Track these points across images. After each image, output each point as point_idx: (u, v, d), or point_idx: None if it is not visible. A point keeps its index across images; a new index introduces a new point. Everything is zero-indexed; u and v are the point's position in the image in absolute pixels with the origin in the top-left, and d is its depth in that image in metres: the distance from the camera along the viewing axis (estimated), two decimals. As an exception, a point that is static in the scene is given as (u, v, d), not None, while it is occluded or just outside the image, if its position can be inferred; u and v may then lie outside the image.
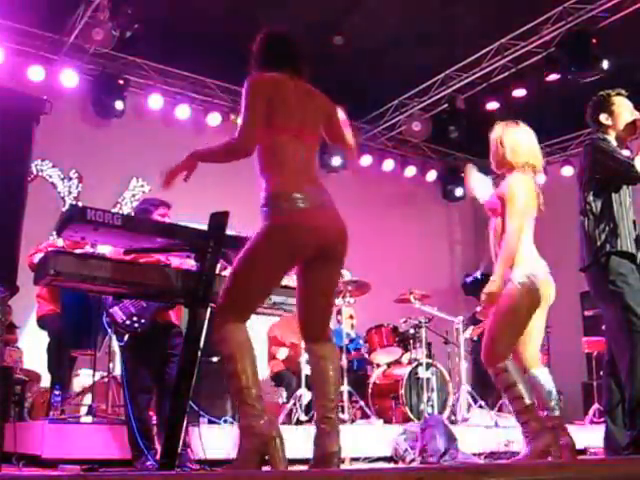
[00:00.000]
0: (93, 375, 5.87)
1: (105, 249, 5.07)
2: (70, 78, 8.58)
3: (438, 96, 9.83)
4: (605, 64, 8.13)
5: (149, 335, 4.65)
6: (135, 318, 4.61)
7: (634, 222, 4.21)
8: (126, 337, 4.70)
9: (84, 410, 5.83)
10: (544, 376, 3.95)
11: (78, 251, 5.15)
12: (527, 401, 3.83)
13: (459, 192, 11.84)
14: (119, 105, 8.88)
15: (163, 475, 2.18)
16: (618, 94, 4.35)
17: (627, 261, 4.07)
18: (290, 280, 4.33)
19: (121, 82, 8.92)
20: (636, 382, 3.91)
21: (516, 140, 4.23)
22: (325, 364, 3.26)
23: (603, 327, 4.68)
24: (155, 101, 9.22)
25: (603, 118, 4.35)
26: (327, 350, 3.30)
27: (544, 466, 2.34)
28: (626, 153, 4.24)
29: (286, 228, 3.17)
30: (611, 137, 4.30)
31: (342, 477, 1.88)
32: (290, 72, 3.43)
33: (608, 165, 4.18)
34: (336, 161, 10.51)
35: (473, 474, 2.00)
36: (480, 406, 7.26)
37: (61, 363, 5.99)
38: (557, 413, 3.86)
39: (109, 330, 4.71)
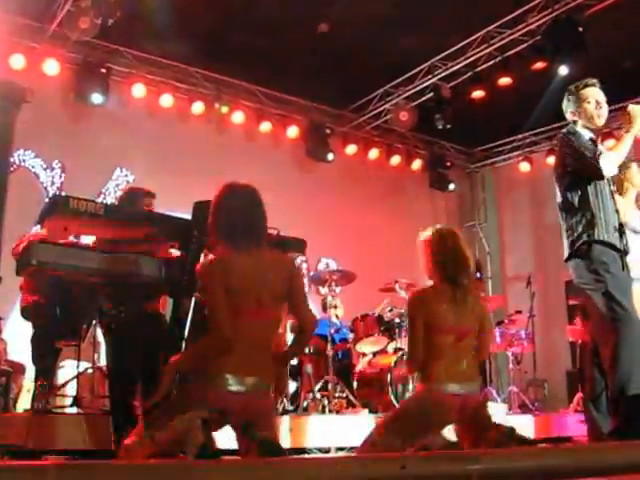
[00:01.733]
0: (77, 366, 5.82)
1: (89, 238, 5.03)
2: (52, 67, 8.48)
3: (423, 85, 9.82)
4: (563, 70, 8.18)
5: (135, 324, 4.61)
6: (121, 307, 4.57)
7: (616, 211, 4.21)
8: (112, 326, 4.66)
9: (69, 401, 5.78)
10: None
11: (61, 241, 5.09)
12: None
13: (443, 181, 11.86)
14: (102, 94, 8.79)
15: (148, 464, 2.17)
16: (585, 86, 4.35)
17: (609, 249, 4.08)
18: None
19: (104, 71, 8.83)
20: (619, 370, 3.93)
21: None
22: None
23: (584, 316, 4.71)
24: (138, 90, 9.14)
25: (569, 114, 4.40)
26: None
27: (522, 452, 2.34)
28: (610, 144, 4.25)
29: None
30: (582, 129, 4.32)
31: (330, 465, 1.87)
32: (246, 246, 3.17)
33: (574, 161, 4.19)
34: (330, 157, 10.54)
35: (456, 461, 2.00)
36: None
37: (45, 354, 5.93)
38: None
39: (96, 318, 4.68)
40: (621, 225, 4.19)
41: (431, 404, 3.58)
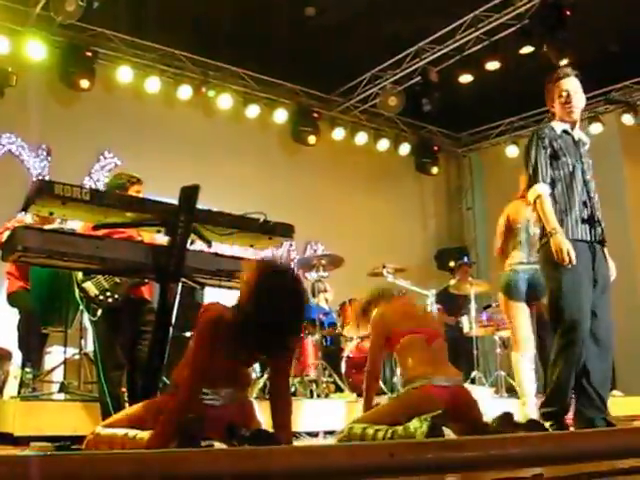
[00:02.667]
0: (64, 352, 5.80)
1: (75, 224, 5.00)
2: (37, 50, 8.37)
3: (411, 68, 9.77)
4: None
5: (122, 311, 4.60)
6: (108, 293, 4.55)
7: (584, 202, 4.21)
8: (99, 312, 4.64)
9: (56, 387, 5.77)
10: None
11: (47, 227, 5.07)
12: None
13: (431, 165, 11.86)
14: (88, 78, 8.70)
15: (134, 454, 2.16)
16: (558, 78, 4.35)
17: (576, 243, 4.07)
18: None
19: (89, 54, 8.73)
20: (560, 367, 4.02)
21: None
22: None
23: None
24: (124, 73, 9.04)
25: (548, 105, 4.49)
26: None
27: (512, 440, 2.36)
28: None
29: None
30: (558, 123, 4.37)
31: (319, 453, 1.87)
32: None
33: (527, 168, 4.30)
34: (311, 140, 10.50)
35: (443, 448, 2.00)
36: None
37: (32, 340, 5.91)
38: None
39: (81, 304, 4.65)
40: (592, 216, 4.19)
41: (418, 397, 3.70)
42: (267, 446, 2.98)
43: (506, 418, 3.68)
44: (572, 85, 4.31)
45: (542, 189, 4.15)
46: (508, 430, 3.55)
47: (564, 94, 4.29)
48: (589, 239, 4.15)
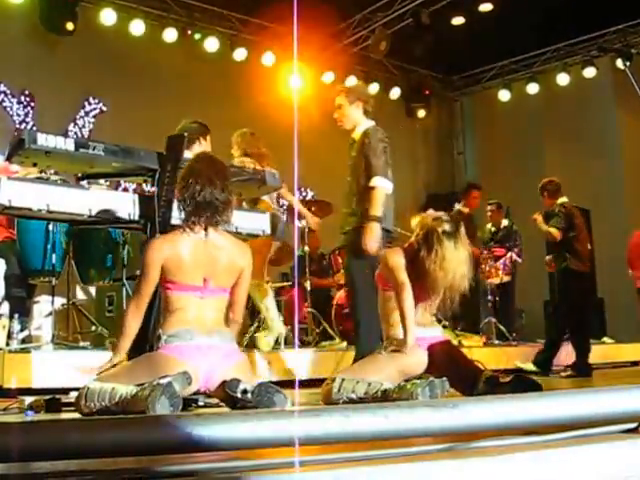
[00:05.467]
0: (52, 302, 5.74)
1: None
2: (16, -8, 8.11)
3: (402, 10, 9.55)
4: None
5: None
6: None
7: None
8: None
9: (45, 339, 5.73)
10: None
11: (31, 176, 4.93)
12: None
13: (421, 113, 11.72)
14: (70, 21, 8.44)
15: (117, 420, 2.11)
16: None
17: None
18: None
19: (71, -4, 8.47)
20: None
21: None
22: None
23: None
24: (108, 16, 8.78)
25: None
26: None
27: (503, 399, 2.31)
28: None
29: None
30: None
31: (311, 416, 1.82)
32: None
33: (371, 158, 4.78)
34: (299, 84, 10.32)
35: (438, 408, 1.96)
36: (444, 326, 7.30)
37: (19, 291, 5.85)
38: None
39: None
40: None
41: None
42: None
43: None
44: (335, 102, 4.91)
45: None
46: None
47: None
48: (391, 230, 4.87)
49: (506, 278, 7.99)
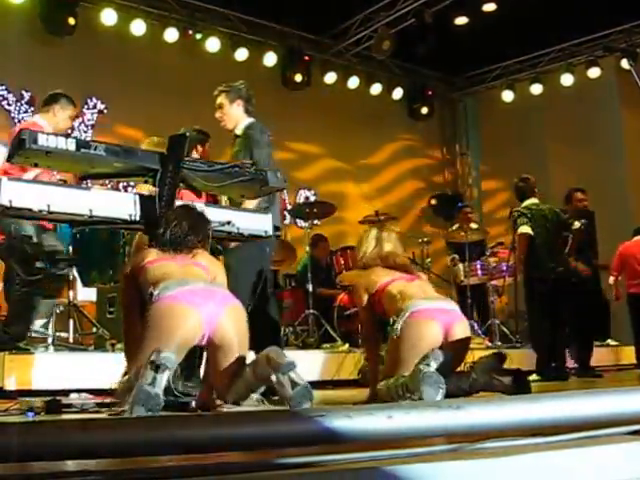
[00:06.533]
0: (53, 304, 5.71)
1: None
2: (17, -8, 8.09)
3: (405, 10, 9.50)
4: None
5: None
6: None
7: None
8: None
9: (45, 339, 5.69)
10: None
11: (30, 175, 4.88)
12: None
13: (424, 110, 11.67)
14: (70, 21, 8.42)
15: (117, 420, 2.07)
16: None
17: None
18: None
19: (72, -4, 8.45)
20: None
21: None
22: None
23: None
24: (109, 16, 8.75)
25: None
26: None
27: (511, 401, 2.28)
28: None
29: None
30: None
31: (316, 416, 1.78)
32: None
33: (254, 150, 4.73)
34: (302, 85, 10.27)
35: (441, 409, 1.93)
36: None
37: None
38: None
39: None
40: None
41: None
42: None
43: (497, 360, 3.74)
44: (216, 103, 4.92)
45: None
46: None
47: None
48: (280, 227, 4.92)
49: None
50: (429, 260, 8.18)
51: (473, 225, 8.33)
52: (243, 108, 4.93)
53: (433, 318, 3.81)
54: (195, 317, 3.12)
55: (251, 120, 4.93)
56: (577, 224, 6.34)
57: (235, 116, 4.91)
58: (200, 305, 3.15)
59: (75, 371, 4.83)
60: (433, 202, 11.64)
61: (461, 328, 3.88)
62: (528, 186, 6.50)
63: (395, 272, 4.14)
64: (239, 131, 4.90)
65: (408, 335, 3.78)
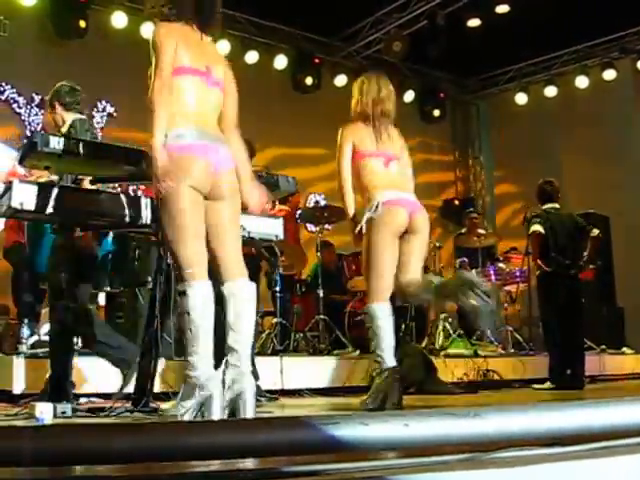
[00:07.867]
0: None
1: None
2: (28, -5, 8.10)
3: (417, 12, 9.46)
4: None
5: None
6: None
7: None
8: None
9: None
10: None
11: (43, 179, 4.87)
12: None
13: (436, 113, 11.61)
14: (81, 24, 8.44)
15: (130, 425, 2.03)
16: None
17: None
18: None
19: (83, -1, 8.45)
20: None
21: None
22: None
23: None
24: (119, 19, 8.75)
25: None
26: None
27: (527, 408, 2.23)
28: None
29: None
30: None
31: (330, 423, 1.74)
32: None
33: None
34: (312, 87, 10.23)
35: (458, 417, 1.89)
36: (459, 335, 7.20)
37: (27, 296, 5.80)
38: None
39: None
40: None
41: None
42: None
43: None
44: None
45: None
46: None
47: None
48: None
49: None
50: (441, 265, 8.11)
51: (480, 230, 8.25)
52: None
53: (403, 206, 4.32)
54: (205, 169, 3.22)
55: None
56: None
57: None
58: (209, 158, 3.24)
59: (83, 376, 4.80)
60: (444, 206, 11.58)
61: (422, 214, 4.43)
62: (553, 189, 6.44)
63: (379, 144, 4.52)
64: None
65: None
